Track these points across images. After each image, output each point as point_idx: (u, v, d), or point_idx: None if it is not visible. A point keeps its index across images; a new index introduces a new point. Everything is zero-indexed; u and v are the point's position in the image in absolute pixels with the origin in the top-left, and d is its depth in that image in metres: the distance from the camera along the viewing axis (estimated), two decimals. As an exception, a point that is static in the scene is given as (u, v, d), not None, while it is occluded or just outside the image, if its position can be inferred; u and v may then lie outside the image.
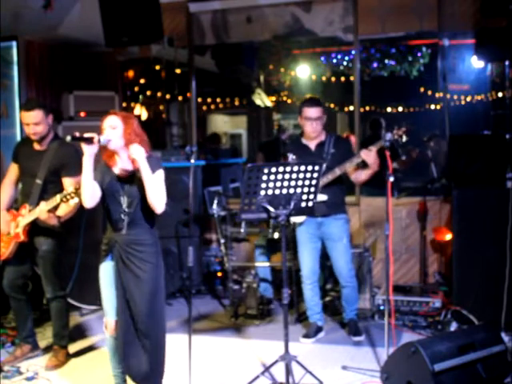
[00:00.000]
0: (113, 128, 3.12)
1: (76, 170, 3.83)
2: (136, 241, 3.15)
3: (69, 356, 4.21)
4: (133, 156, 3.08)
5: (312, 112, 4.37)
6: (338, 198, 4.48)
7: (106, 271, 3.22)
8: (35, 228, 3.93)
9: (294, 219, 4.43)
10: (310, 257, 4.51)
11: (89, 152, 3.05)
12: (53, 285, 4.06)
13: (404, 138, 4.07)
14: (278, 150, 7.57)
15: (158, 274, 3.21)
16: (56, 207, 3.80)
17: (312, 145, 4.48)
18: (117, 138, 3.12)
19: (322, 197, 4.36)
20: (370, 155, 4.14)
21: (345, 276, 4.50)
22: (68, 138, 3.03)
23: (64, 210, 3.87)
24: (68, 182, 3.87)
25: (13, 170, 4.13)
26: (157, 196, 3.09)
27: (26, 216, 3.89)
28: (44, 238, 3.99)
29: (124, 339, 3.17)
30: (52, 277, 4.05)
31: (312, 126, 4.39)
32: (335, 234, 4.45)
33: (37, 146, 4.01)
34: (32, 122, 3.88)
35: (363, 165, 4.30)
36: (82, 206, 3.89)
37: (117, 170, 3.19)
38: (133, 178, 3.15)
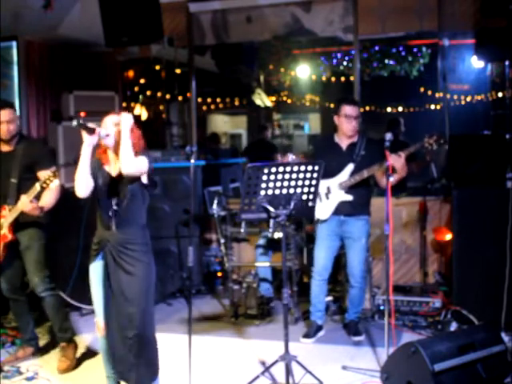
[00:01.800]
0: (116, 124, 3.12)
1: (49, 162, 3.95)
2: (128, 240, 3.13)
3: (77, 348, 4.16)
4: (121, 119, 3.08)
5: (352, 110, 4.38)
6: (363, 200, 4.48)
7: (97, 271, 3.21)
8: (17, 224, 3.92)
9: (319, 216, 4.43)
10: (325, 254, 4.52)
11: (88, 142, 3.07)
12: (43, 277, 3.99)
13: (435, 146, 4.07)
14: (263, 150, 7.57)
15: (150, 273, 3.19)
16: (38, 198, 3.79)
17: (344, 144, 4.48)
18: (116, 135, 3.11)
19: (347, 197, 4.39)
20: (398, 161, 4.12)
21: (356, 276, 4.51)
22: (74, 123, 3.05)
23: (46, 200, 3.86)
24: (45, 175, 3.86)
25: None
26: (127, 156, 3.03)
27: (8, 216, 3.88)
28: (27, 230, 3.97)
29: (111, 340, 3.16)
30: (40, 267, 3.99)
31: (351, 124, 4.39)
32: (355, 233, 4.46)
33: (4, 148, 4.00)
34: (5, 120, 3.88)
35: (392, 170, 4.28)
36: (68, 200, 3.88)
37: (108, 169, 3.20)
38: (123, 177, 3.13)
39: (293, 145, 12.35)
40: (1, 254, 3.94)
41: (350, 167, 4.38)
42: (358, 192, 4.40)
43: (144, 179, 3.16)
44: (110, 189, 3.15)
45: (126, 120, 3.10)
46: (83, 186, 3.11)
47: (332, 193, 4.41)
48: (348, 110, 4.38)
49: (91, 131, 3.05)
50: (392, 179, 4.31)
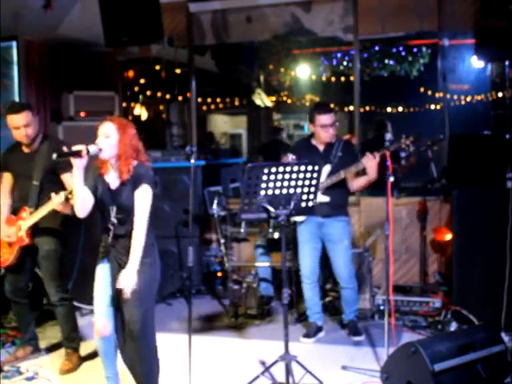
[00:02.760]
0: (106, 137, 3.07)
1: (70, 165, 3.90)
2: (130, 243, 3.11)
3: (81, 359, 4.17)
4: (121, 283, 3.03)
5: (327, 119, 4.34)
6: (341, 200, 4.48)
7: (102, 272, 3.21)
8: (36, 229, 3.90)
9: (295, 218, 4.42)
10: (310, 256, 4.51)
11: (78, 165, 3.00)
12: (57, 287, 4.01)
13: (411, 148, 4.03)
14: (276, 151, 7.60)
15: (152, 273, 3.18)
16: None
17: (321, 146, 4.47)
18: (109, 148, 3.07)
19: (324, 198, 4.37)
20: (372, 161, 4.11)
21: (344, 278, 4.50)
22: (54, 156, 3.00)
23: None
24: (68, 178, 3.83)
25: (6, 180, 4.06)
26: (139, 245, 3.05)
27: (29, 218, 3.86)
28: (46, 238, 3.95)
29: (117, 340, 3.18)
30: (56, 277, 4.00)
31: (329, 133, 4.36)
32: (335, 235, 4.45)
33: (26, 149, 3.96)
34: (22, 125, 3.82)
35: (363, 172, 4.29)
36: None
37: (108, 179, 3.16)
38: (123, 188, 3.11)
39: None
40: (14, 256, 3.93)
41: (327, 168, 4.37)
42: (336, 193, 4.38)
43: None
44: (110, 200, 3.13)
45: (126, 283, 3.02)
46: (81, 208, 3.10)
47: None
48: (323, 119, 4.34)
49: (77, 155, 2.97)
50: (358, 183, 4.34)
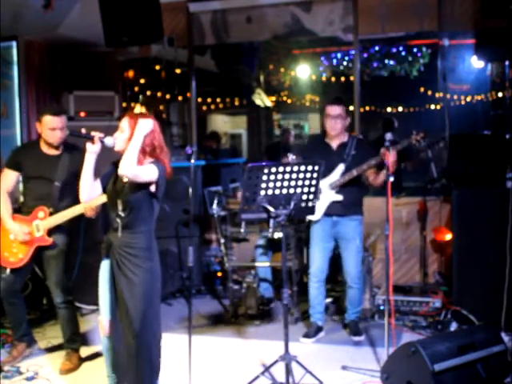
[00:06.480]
0: (121, 131, 3.12)
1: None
2: (129, 244, 3.10)
3: (82, 359, 4.16)
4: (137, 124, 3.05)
5: (332, 109, 4.38)
6: (355, 199, 4.47)
7: (104, 270, 3.21)
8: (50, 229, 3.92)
9: (310, 216, 4.42)
10: (320, 255, 4.52)
11: (90, 149, 3.10)
12: (63, 289, 4.00)
13: (422, 143, 4.07)
14: (280, 152, 7.62)
15: (150, 279, 3.13)
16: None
17: (334, 144, 4.48)
18: (121, 142, 3.10)
19: (337, 197, 4.38)
20: (390, 156, 4.12)
21: (353, 277, 4.51)
22: (67, 132, 3.15)
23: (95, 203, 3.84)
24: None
25: (10, 178, 4.02)
26: (127, 158, 2.97)
27: (48, 218, 3.86)
28: (56, 237, 3.94)
29: (114, 340, 3.16)
30: (62, 278, 3.99)
31: (331, 123, 4.39)
32: (349, 233, 4.46)
33: (49, 151, 3.98)
34: (59, 127, 3.89)
35: (380, 167, 4.28)
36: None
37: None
38: (131, 183, 3.11)
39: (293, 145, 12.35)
40: (30, 256, 3.92)
41: (341, 167, 4.38)
42: (350, 192, 4.38)
43: (152, 188, 3.11)
44: (119, 193, 3.13)
45: (142, 126, 3.05)
46: (86, 192, 3.15)
47: (323, 193, 4.40)
48: (329, 109, 4.39)
49: (90, 140, 3.08)
50: (381, 178, 4.33)
